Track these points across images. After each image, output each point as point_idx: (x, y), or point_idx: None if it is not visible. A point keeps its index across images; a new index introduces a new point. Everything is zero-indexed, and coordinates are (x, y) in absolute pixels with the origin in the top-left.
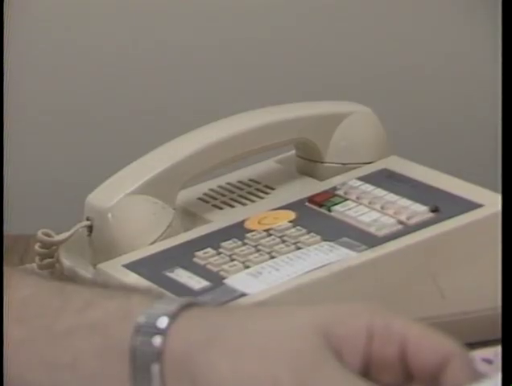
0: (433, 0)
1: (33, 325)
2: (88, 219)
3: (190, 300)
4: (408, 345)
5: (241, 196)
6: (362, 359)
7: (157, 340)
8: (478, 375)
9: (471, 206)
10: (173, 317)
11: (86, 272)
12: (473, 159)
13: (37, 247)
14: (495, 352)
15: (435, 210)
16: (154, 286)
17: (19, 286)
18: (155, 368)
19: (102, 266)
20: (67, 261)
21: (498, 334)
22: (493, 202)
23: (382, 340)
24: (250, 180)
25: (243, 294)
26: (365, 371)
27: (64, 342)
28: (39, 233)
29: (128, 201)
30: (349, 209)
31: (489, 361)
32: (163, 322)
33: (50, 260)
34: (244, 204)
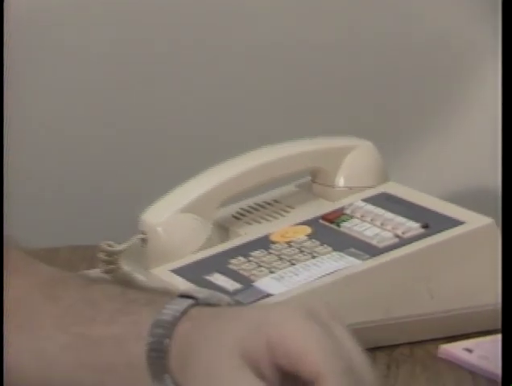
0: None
1: (72, 332)
2: (142, 233)
3: (186, 306)
4: (290, 360)
5: (266, 214)
6: (276, 370)
7: (165, 341)
8: None
9: (455, 223)
10: (174, 323)
11: (141, 276)
12: (457, 184)
13: (101, 255)
14: (475, 343)
15: (425, 226)
16: (192, 287)
17: (63, 296)
18: (166, 374)
19: (154, 271)
20: (126, 267)
21: (478, 328)
22: (473, 220)
23: (278, 354)
24: (274, 201)
25: (269, 295)
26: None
27: (97, 350)
28: (103, 244)
29: (175, 218)
30: (355, 225)
31: (469, 350)
32: (166, 331)
33: (112, 266)
34: (269, 221)
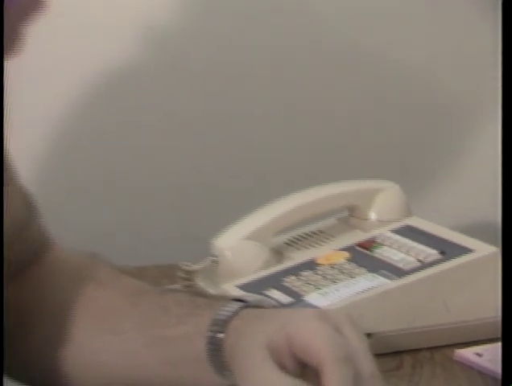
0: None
1: (149, 333)
2: (214, 256)
3: (236, 309)
4: (302, 351)
5: (312, 242)
6: (296, 362)
7: (220, 336)
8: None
9: (466, 251)
10: (227, 321)
11: (212, 290)
12: (467, 216)
13: (180, 273)
14: (484, 349)
15: (442, 253)
16: (244, 293)
17: (143, 304)
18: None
19: (223, 287)
20: (200, 283)
21: (486, 336)
22: (481, 248)
23: (294, 347)
24: (319, 231)
25: (315, 307)
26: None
27: (171, 347)
28: (182, 264)
29: (240, 245)
30: (385, 251)
31: (479, 354)
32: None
33: (189, 282)
34: (315, 247)
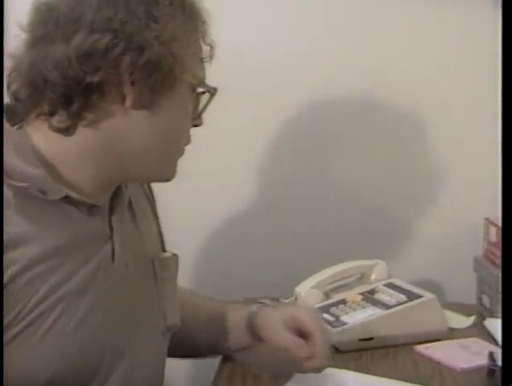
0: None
1: (211, 308)
2: (295, 296)
3: (262, 305)
4: (302, 326)
5: (344, 290)
6: (295, 332)
7: (253, 317)
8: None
9: (418, 296)
10: (256, 312)
11: None
12: (428, 272)
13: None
14: (430, 345)
15: (407, 297)
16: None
17: (209, 307)
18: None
19: None
20: None
21: (430, 338)
22: (427, 295)
23: (297, 324)
24: (347, 284)
25: (346, 323)
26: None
27: (230, 324)
28: (265, 300)
29: (309, 290)
30: (380, 295)
31: (427, 348)
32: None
33: None
34: (345, 292)
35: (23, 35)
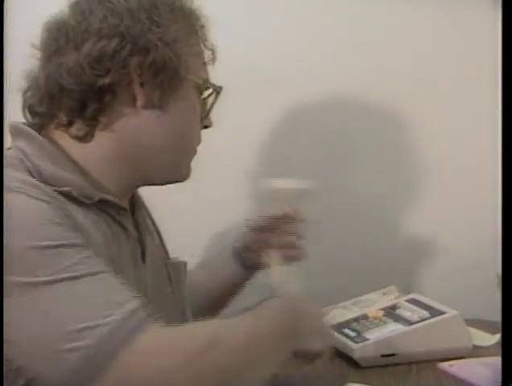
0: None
1: (253, 325)
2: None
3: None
4: None
5: (367, 305)
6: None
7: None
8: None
9: (441, 313)
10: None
11: None
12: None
13: None
14: (454, 363)
15: (430, 313)
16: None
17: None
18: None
19: None
20: None
21: (454, 356)
22: (450, 311)
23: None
24: (369, 299)
25: (367, 339)
26: None
27: (258, 315)
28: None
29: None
30: (402, 311)
31: (451, 365)
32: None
33: None
34: (367, 308)
35: (37, 55)
